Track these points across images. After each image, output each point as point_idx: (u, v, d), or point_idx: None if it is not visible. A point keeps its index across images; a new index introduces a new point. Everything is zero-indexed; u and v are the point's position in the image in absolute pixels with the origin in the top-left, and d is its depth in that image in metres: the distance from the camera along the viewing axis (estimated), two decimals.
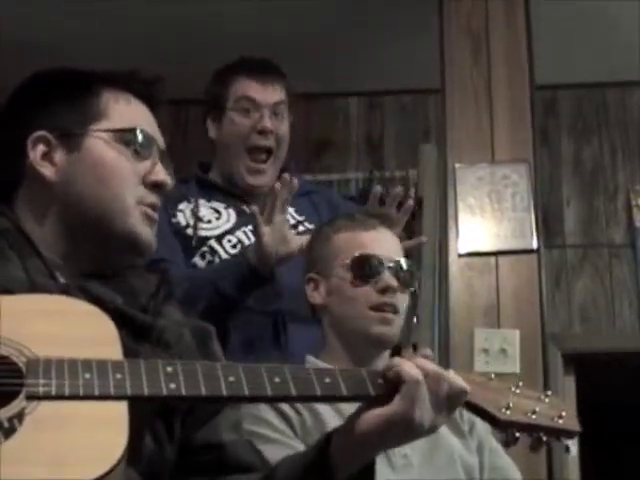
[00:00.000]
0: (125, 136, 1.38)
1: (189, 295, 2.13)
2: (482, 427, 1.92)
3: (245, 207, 2.40)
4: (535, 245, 3.22)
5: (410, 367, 1.17)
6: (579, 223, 4.27)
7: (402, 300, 1.93)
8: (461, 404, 1.20)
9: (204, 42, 4.00)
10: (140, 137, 1.39)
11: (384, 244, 1.96)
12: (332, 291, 1.95)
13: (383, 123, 4.49)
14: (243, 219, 2.39)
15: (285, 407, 1.79)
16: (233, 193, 2.44)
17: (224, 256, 2.32)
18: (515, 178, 3.30)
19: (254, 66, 2.47)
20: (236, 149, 2.43)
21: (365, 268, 1.93)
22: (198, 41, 4.03)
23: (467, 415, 1.91)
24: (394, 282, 1.90)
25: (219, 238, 2.37)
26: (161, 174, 1.39)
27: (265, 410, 1.78)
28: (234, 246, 2.35)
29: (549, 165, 4.31)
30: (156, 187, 1.39)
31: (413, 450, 1.80)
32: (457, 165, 3.35)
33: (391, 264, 1.92)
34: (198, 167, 2.56)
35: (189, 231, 2.36)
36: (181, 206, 2.41)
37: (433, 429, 1.18)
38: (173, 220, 2.37)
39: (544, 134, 4.30)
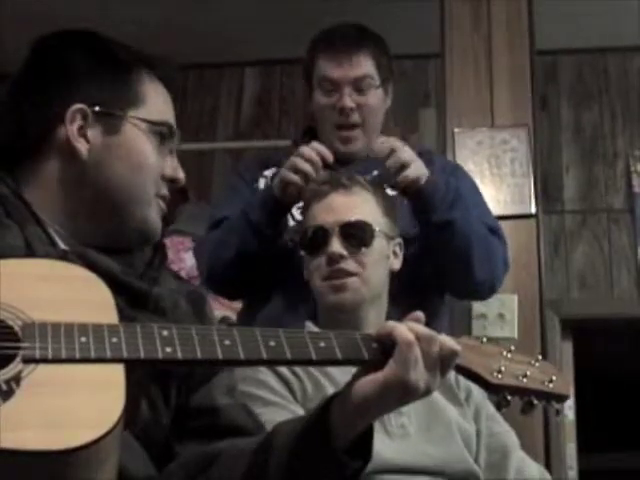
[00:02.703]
0: (159, 129, 1.39)
1: (227, 232, 2.20)
2: (479, 394, 1.92)
3: None
4: (534, 210, 3.22)
5: (403, 329, 1.18)
6: (578, 189, 4.26)
7: (360, 261, 1.91)
8: (453, 364, 1.21)
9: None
10: (172, 133, 1.41)
11: (335, 211, 1.95)
12: (306, 266, 2.00)
13: None
14: None
15: (286, 372, 1.80)
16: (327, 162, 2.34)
17: (291, 224, 2.29)
18: (514, 143, 3.29)
19: (333, 42, 2.41)
20: (324, 126, 2.41)
21: (313, 241, 1.95)
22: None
23: (464, 383, 1.92)
24: (339, 249, 1.90)
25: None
26: (180, 171, 1.42)
27: (266, 373, 1.79)
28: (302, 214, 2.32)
29: (549, 131, 4.29)
30: (171, 182, 1.42)
31: (410, 420, 1.81)
32: (456, 130, 3.33)
33: (337, 229, 1.92)
34: (303, 131, 2.54)
35: None
36: (266, 172, 2.40)
37: (428, 391, 1.18)
38: (254, 185, 2.39)
39: (544, 99, 4.28)
